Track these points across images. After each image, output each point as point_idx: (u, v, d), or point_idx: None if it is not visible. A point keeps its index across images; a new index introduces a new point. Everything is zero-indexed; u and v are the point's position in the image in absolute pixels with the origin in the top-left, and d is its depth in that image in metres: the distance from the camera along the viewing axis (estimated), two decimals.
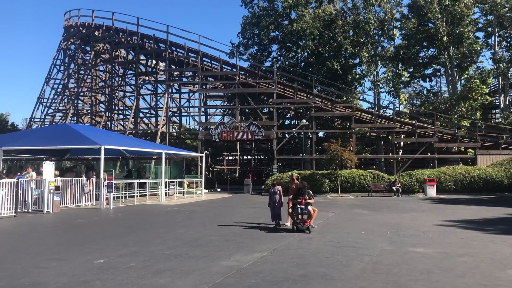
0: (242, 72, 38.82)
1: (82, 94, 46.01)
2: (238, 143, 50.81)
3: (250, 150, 59.03)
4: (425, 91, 49.86)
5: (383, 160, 41.01)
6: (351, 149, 35.29)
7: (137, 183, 24.33)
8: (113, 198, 22.37)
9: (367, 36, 41.39)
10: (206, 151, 34.02)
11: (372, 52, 43.13)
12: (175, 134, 46.21)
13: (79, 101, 46.29)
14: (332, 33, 40.32)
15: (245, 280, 7.16)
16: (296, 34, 40.14)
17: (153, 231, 13.04)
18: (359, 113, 37.08)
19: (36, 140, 22.44)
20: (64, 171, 24.94)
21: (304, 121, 34.18)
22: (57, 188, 18.37)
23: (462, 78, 47.26)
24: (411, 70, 48.41)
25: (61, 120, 44.65)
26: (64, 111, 45.46)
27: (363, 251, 9.98)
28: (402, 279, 7.36)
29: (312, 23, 39.38)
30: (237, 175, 55.74)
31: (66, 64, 47.56)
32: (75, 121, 43.66)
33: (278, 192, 14.00)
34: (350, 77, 41.69)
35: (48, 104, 47.67)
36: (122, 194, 23.23)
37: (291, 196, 13.44)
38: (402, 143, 40.92)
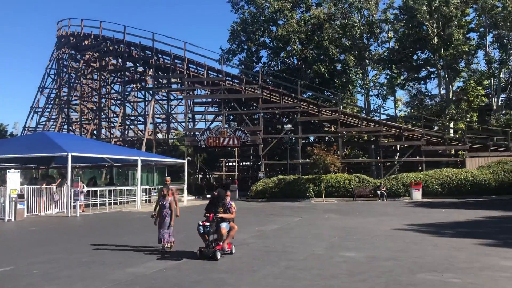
0: (229, 78, 38.76)
1: (73, 102, 46.26)
2: (236, 149, 50.43)
3: (249, 156, 58.56)
4: (418, 94, 49.21)
5: (373, 164, 40.51)
6: (338, 153, 34.97)
7: (108, 190, 24.21)
8: (87, 205, 22.45)
9: (354, 39, 41.06)
10: (189, 158, 33.90)
11: (360, 55, 42.75)
12: (167, 141, 46.15)
13: (71, 110, 46.53)
14: (318, 37, 40.08)
15: None
16: (282, 39, 40.00)
17: (98, 239, 12.88)
18: (345, 117, 36.72)
19: (10, 149, 22.48)
20: (42, 179, 24.94)
21: (289, 125, 33.94)
22: (20, 196, 18.31)
23: (458, 80, 46.70)
24: (405, 73, 47.91)
25: (52, 129, 44.87)
26: (56, 120, 45.73)
27: (289, 255, 9.74)
28: (298, 284, 7.13)
29: (297, 27, 39.21)
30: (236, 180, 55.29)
31: (58, 73, 47.88)
32: (66, 129, 43.82)
33: (166, 205, 10.38)
34: (337, 81, 41.34)
35: (41, 113, 48.00)
36: (93, 201, 23.13)
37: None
38: (398, 146, 40.43)
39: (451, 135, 39.53)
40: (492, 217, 18.37)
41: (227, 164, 61.12)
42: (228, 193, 9.93)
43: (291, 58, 43.36)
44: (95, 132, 44.40)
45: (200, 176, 52.67)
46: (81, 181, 23.15)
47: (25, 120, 48.25)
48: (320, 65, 39.52)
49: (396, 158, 40.10)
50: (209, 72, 38.58)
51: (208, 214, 9.37)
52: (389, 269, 8.23)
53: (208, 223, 9.11)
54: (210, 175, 57.90)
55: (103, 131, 44.39)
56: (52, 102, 46.85)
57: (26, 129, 47.83)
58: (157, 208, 10.59)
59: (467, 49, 40.01)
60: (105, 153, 24.49)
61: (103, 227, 16.38)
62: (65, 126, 44.13)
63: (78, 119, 45.61)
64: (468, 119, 42.69)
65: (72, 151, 20.30)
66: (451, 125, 40.60)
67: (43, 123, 47.22)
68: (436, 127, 41.92)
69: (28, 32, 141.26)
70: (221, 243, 9.39)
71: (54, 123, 45.04)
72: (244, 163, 61.06)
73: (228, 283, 7.22)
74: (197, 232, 9.30)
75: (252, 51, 44.49)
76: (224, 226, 9.37)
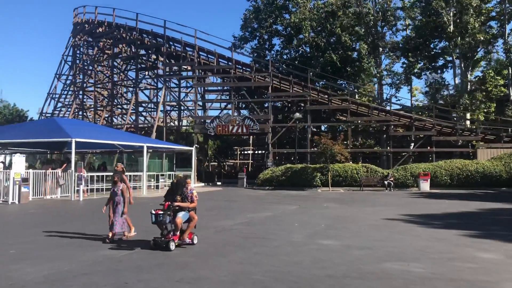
0: (239, 66, 38.77)
1: (87, 88, 47.00)
2: (251, 137, 50.70)
3: (264, 144, 58.64)
4: (434, 84, 48.34)
5: (385, 154, 40.15)
6: (347, 142, 34.78)
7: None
8: (92, 190, 22.98)
9: (367, 27, 40.47)
10: (196, 145, 34.14)
11: (374, 44, 42.15)
12: (179, 128, 46.52)
13: (85, 96, 47.31)
14: (331, 25, 39.65)
15: (87, 268, 7.21)
16: (295, 26, 39.73)
17: (87, 221, 13.24)
18: (356, 106, 36.38)
19: (19, 134, 23.04)
20: (47, 163, 25.49)
21: (297, 114, 33.83)
22: (24, 179, 18.81)
23: (476, 69, 45.67)
24: (421, 62, 47.08)
25: (67, 115, 45.74)
26: (71, 106, 46.60)
27: (265, 242, 9.83)
28: (257, 269, 7.21)
29: (309, 15, 38.84)
30: (249, 168, 55.61)
31: (74, 60, 48.64)
32: (80, 115, 44.61)
33: (118, 192, 9.97)
34: (350, 70, 40.91)
35: (58, 99, 48.94)
36: (100, 186, 23.65)
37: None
38: (413, 137, 40.01)
39: (468, 125, 38.77)
40: (493, 209, 18.05)
41: (242, 152, 61.52)
42: (189, 180, 9.41)
43: (303, 46, 43.05)
44: (108, 118, 45.10)
45: (215, 163, 53.13)
46: (84, 166, 23.58)
47: (42, 106, 49.18)
48: (332, 53, 39.16)
49: (409, 148, 39.72)
50: (220, 60, 38.65)
51: (163, 203, 8.79)
52: (357, 258, 8.24)
53: (162, 212, 8.51)
54: (224, 163, 58.32)
55: (117, 117, 45.05)
56: (68, 88, 47.71)
57: (43, 114, 48.85)
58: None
59: (482, 38, 38.94)
60: (111, 139, 24.85)
61: (100, 211, 16.68)
62: (80, 112, 44.92)
63: (91, 105, 46.38)
64: (485, 110, 41.79)
65: (76, 136, 20.70)
66: (468, 115, 39.82)
67: (59, 109, 48.18)
68: (455, 116, 41.17)
69: (48, 19, 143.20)
70: (178, 234, 8.79)
71: (70, 109, 45.91)
72: (259, 152, 61.22)
73: (189, 266, 7.36)
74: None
75: (264, 39, 44.40)
76: (180, 216, 8.71)
